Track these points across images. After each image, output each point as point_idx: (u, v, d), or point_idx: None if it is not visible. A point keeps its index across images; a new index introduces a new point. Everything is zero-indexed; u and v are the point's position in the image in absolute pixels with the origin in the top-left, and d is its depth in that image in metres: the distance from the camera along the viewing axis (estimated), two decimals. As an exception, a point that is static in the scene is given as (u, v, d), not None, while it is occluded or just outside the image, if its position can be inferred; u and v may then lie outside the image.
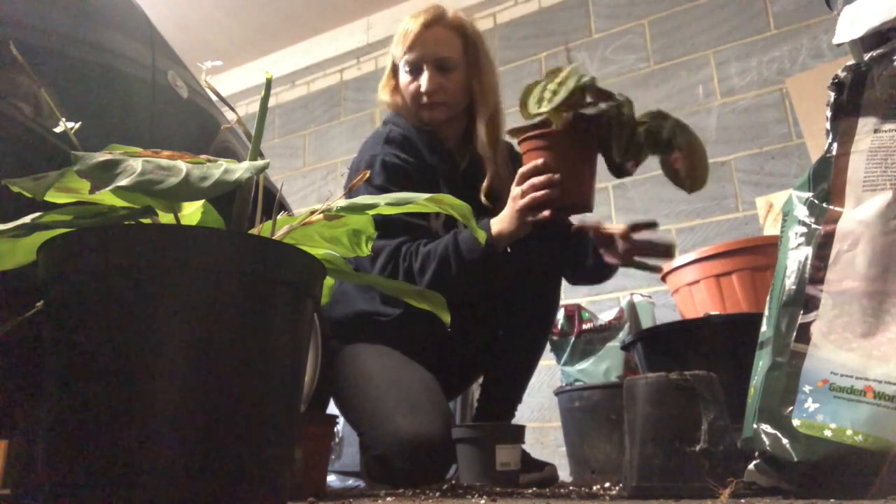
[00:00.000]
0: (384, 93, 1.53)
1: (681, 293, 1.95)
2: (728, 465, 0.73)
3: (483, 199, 1.39)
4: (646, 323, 1.96)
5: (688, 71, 2.58)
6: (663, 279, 2.06)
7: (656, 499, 0.73)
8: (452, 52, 1.42)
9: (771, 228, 2.21)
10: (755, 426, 0.72)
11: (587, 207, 1.16)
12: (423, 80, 1.41)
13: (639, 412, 0.80)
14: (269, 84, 0.59)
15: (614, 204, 2.56)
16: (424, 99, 1.42)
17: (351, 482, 1.74)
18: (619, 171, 1.14)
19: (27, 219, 0.50)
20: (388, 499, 0.83)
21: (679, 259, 1.95)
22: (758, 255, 1.77)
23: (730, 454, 0.74)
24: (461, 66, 1.44)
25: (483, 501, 0.75)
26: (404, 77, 1.46)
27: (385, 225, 1.28)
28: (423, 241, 1.30)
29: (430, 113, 1.44)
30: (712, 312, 1.76)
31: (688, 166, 1.08)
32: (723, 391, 0.79)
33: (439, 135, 1.48)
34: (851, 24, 0.77)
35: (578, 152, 1.14)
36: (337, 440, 2.07)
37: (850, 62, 0.77)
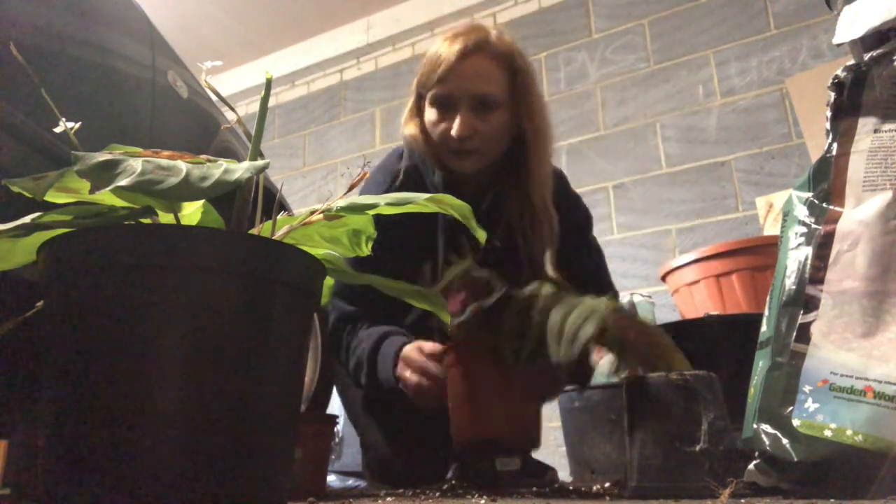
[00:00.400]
0: (408, 126, 1.26)
1: (681, 293, 1.95)
2: (728, 465, 0.73)
3: None
4: (646, 323, 1.96)
5: (688, 71, 2.58)
6: (663, 279, 2.07)
7: (656, 499, 0.73)
8: (494, 88, 1.16)
9: (771, 228, 2.21)
10: (755, 426, 0.72)
11: (523, 447, 0.87)
12: (456, 122, 1.15)
13: (638, 412, 0.80)
14: (269, 84, 0.59)
15: (614, 204, 2.56)
16: (454, 144, 1.17)
17: (351, 482, 1.73)
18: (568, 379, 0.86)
19: (27, 219, 0.50)
20: (388, 499, 0.83)
21: (679, 259, 1.95)
22: (758, 255, 1.78)
23: (730, 454, 0.74)
24: (504, 107, 1.18)
25: (483, 501, 0.75)
26: (431, 113, 1.20)
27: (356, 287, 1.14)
28: (368, 324, 1.15)
29: (460, 163, 1.19)
30: (712, 312, 1.76)
31: (637, 356, 0.81)
32: (723, 391, 0.79)
33: (460, 185, 1.24)
34: (851, 24, 0.77)
35: (492, 371, 0.85)
36: (337, 440, 2.07)
37: (850, 62, 0.77)
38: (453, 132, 1.15)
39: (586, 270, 1.30)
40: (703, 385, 0.78)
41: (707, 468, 0.73)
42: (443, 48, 1.18)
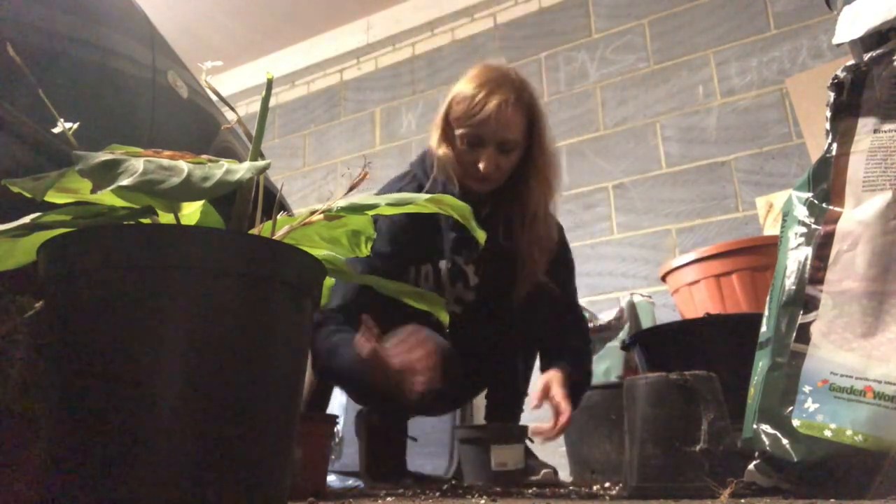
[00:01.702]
0: (441, 147, 1.43)
1: (681, 293, 1.95)
2: (728, 465, 0.74)
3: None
4: (646, 323, 1.97)
5: (688, 71, 2.58)
6: (663, 279, 2.06)
7: (656, 499, 0.73)
8: (517, 135, 1.37)
9: (771, 228, 2.21)
10: (755, 426, 0.72)
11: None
12: (483, 160, 1.35)
13: (639, 412, 0.81)
14: (269, 84, 0.59)
15: (614, 204, 2.56)
16: (479, 174, 1.37)
17: (351, 482, 1.73)
18: None
19: (27, 219, 0.50)
20: (389, 499, 0.83)
21: (679, 259, 1.95)
22: (758, 255, 1.78)
23: (730, 454, 0.75)
24: (521, 147, 1.39)
25: (483, 501, 0.75)
26: (461, 144, 1.38)
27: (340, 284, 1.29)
28: (341, 327, 1.26)
29: (479, 186, 1.39)
30: (712, 312, 1.76)
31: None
32: (722, 391, 0.79)
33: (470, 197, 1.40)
34: (851, 24, 0.77)
35: None
36: (337, 440, 2.07)
37: (850, 62, 0.77)
38: (481, 168, 1.34)
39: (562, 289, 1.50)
40: (702, 385, 0.78)
41: (707, 468, 0.73)
42: (478, 94, 1.34)
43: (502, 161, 1.37)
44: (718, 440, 0.75)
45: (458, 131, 1.38)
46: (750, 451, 0.72)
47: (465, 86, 1.39)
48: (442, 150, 1.43)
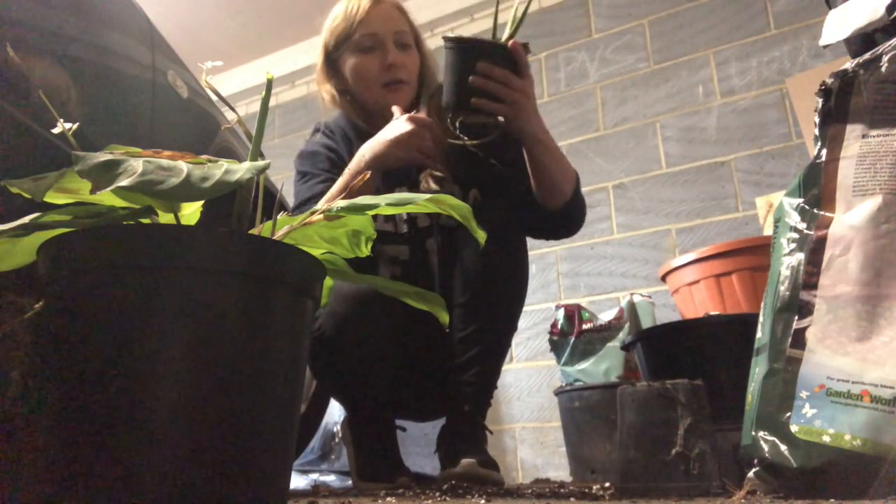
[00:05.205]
0: (324, 86, 1.40)
1: (681, 293, 1.95)
2: (703, 467, 0.77)
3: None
4: (646, 323, 1.97)
5: (688, 71, 2.58)
6: (663, 279, 2.07)
7: (657, 499, 0.74)
8: (406, 27, 1.34)
9: (771, 228, 2.21)
10: (753, 433, 0.72)
11: None
12: (387, 55, 1.29)
13: (625, 419, 0.85)
14: (269, 84, 0.59)
15: (614, 204, 2.56)
16: (387, 77, 1.30)
17: (350, 482, 1.74)
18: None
19: (27, 219, 0.50)
20: (389, 499, 0.83)
21: (679, 259, 1.95)
22: (758, 255, 1.78)
23: (705, 456, 0.77)
24: (414, 48, 1.35)
25: (483, 501, 0.76)
26: (355, 59, 1.32)
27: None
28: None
29: (394, 96, 1.31)
30: (712, 312, 1.76)
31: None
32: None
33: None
34: (838, 26, 0.78)
35: None
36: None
37: (839, 69, 0.77)
38: (389, 60, 1.29)
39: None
40: (683, 393, 0.81)
41: (682, 470, 0.76)
42: (351, 4, 1.33)
43: (406, 59, 1.32)
44: (693, 444, 0.78)
45: (348, 49, 1.33)
46: (749, 459, 0.73)
47: (334, 12, 1.36)
48: (329, 91, 1.39)
